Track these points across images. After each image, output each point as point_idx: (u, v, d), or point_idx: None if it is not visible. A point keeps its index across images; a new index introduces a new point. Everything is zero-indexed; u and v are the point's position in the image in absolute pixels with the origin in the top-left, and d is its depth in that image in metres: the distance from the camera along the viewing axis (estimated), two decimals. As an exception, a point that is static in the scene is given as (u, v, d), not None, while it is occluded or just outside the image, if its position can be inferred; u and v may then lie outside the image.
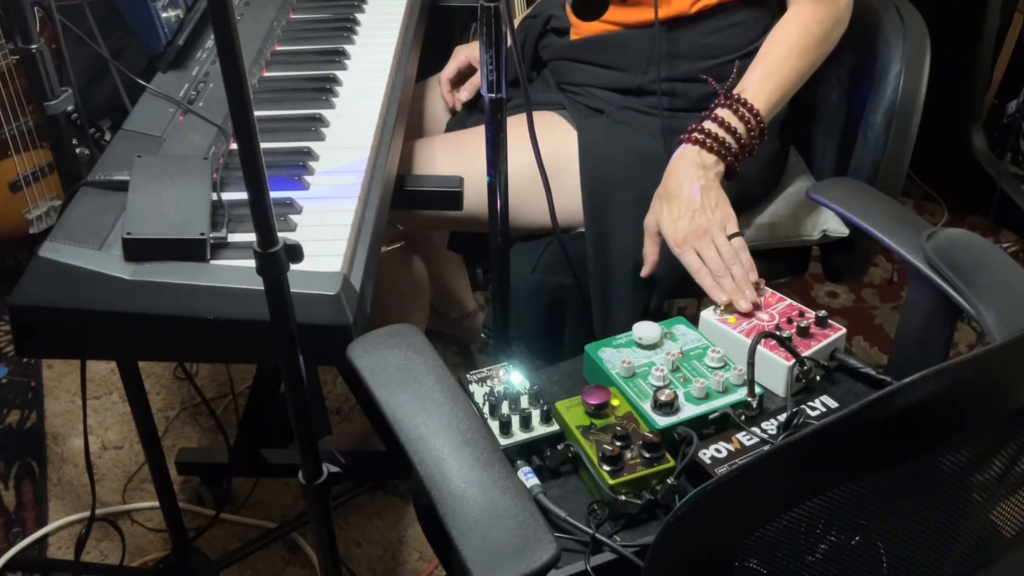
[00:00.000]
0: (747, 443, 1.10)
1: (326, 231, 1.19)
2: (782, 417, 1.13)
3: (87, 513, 1.72)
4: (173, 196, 1.15)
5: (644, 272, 1.42)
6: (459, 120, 1.73)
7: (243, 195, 0.91)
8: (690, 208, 1.34)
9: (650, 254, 1.40)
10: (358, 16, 1.71)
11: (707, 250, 1.33)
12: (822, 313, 1.25)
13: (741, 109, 1.38)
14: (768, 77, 1.41)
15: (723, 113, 1.39)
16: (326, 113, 1.43)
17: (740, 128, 1.38)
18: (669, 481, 1.06)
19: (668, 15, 1.47)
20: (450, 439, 0.93)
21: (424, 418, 0.95)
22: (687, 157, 1.38)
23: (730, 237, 1.33)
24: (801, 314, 1.27)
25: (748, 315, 1.27)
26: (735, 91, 1.41)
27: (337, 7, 1.74)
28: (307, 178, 1.29)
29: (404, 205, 1.47)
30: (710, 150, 1.37)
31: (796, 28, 1.42)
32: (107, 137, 1.35)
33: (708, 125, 1.38)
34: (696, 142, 1.38)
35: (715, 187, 1.37)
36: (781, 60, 1.41)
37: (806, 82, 1.45)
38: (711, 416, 1.14)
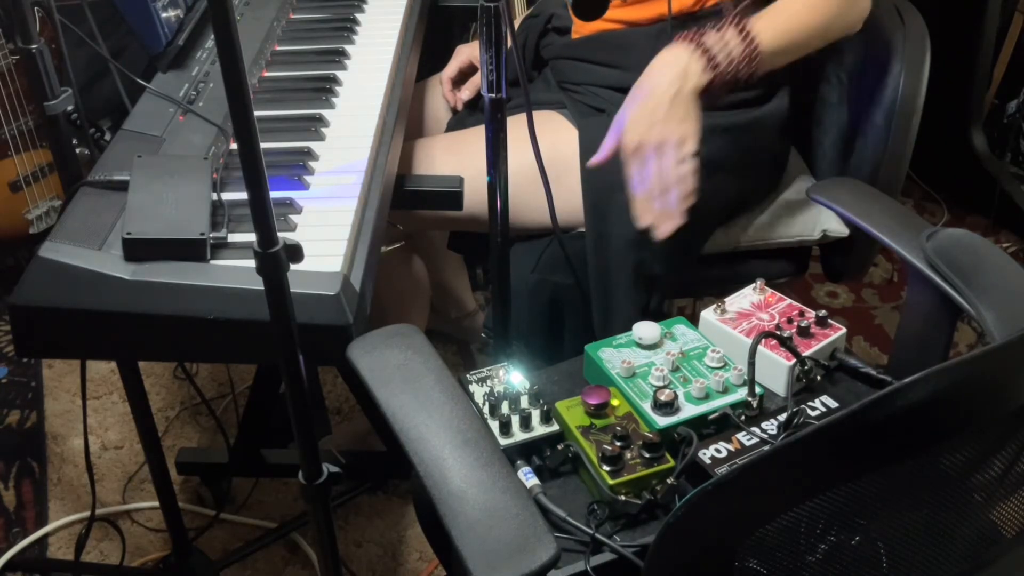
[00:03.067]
0: (747, 443, 1.10)
1: (326, 231, 1.19)
2: (782, 417, 1.13)
3: (87, 513, 1.72)
4: (173, 196, 1.15)
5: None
6: (460, 120, 1.73)
7: (243, 195, 0.91)
8: (654, 114, 1.29)
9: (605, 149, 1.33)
10: (358, 16, 1.71)
11: (652, 164, 1.28)
12: (822, 313, 1.25)
13: (747, 34, 1.34)
14: (779, 15, 1.37)
15: (729, 34, 1.34)
16: (326, 113, 1.43)
17: (736, 50, 1.33)
18: (669, 481, 1.06)
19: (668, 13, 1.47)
20: (450, 439, 0.93)
21: (424, 418, 0.95)
22: (674, 56, 1.32)
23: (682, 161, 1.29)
24: (801, 314, 1.27)
25: (747, 315, 1.27)
26: (750, 19, 1.36)
27: (337, 7, 1.74)
28: (307, 178, 1.29)
29: (404, 205, 1.47)
30: (702, 55, 1.32)
31: None
32: (107, 137, 1.35)
33: (709, 36, 1.33)
34: (692, 42, 1.32)
35: (688, 99, 1.31)
36: (795, 11, 1.38)
37: (806, 82, 1.45)
38: (711, 416, 1.14)
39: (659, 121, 1.28)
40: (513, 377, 1.18)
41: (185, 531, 1.70)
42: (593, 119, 1.54)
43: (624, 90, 1.54)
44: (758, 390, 1.17)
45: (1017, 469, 0.83)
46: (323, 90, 1.47)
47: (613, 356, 1.21)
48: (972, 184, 2.62)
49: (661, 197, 1.26)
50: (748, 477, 0.74)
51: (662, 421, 1.13)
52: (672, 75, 1.31)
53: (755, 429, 1.11)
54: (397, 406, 0.96)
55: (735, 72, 1.34)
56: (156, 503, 1.70)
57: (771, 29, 1.36)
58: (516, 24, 1.75)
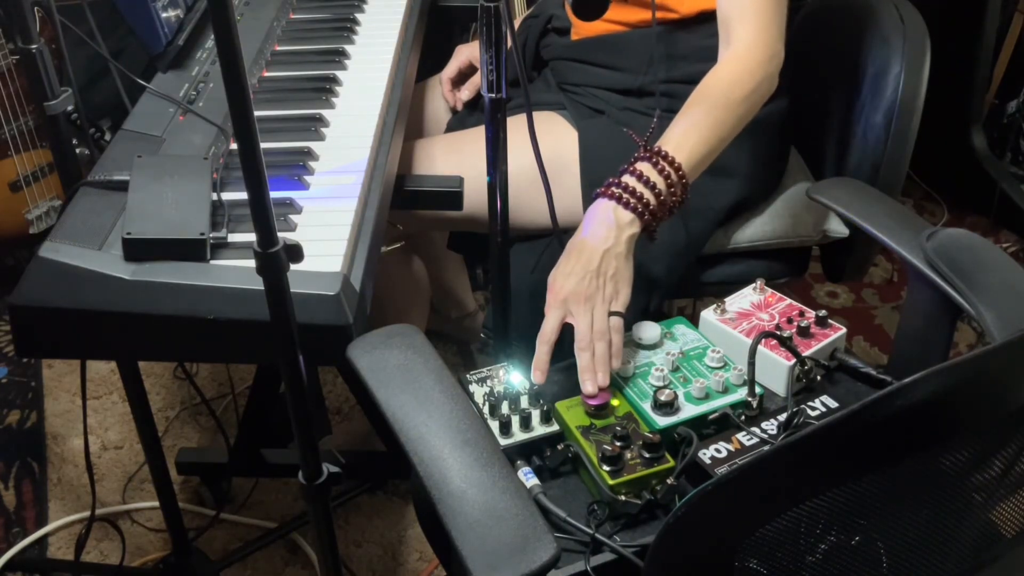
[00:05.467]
0: (747, 443, 1.10)
1: (326, 231, 1.19)
2: (782, 417, 1.13)
3: (87, 513, 1.72)
4: (173, 196, 1.15)
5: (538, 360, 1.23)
6: (460, 120, 1.73)
7: (243, 195, 0.91)
8: (585, 269, 1.23)
9: (546, 328, 1.24)
10: (358, 16, 1.71)
11: (580, 317, 1.22)
12: (822, 313, 1.25)
13: (661, 163, 1.28)
14: (692, 129, 1.31)
15: (642, 166, 1.28)
16: (326, 113, 1.43)
17: (660, 183, 1.27)
18: (669, 481, 1.06)
19: (667, 16, 1.47)
20: (450, 439, 0.93)
21: (424, 418, 0.95)
22: (601, 213, 1.27)
23: (612, 314, 1.23)
24: (801, 314, 1.27)
25: (747, 315, 1.27)
26: (657, 144, 1.31)
27: (337, 7, 1.74)
28: (307, 178, 1.29)
29: (404, 205, 1.47)
30: (626, 206, 1.26)
31: (724, 79, 1.35)
32: (107, 137, 1.36)
33: (626, 179, 1.28)
34: (612, 197, 1.26)
35: (621, 254, 1.25)
36: (706, 112, 1.32)
37: (806, 83, 1.44)
38: (711, 416, 1.14)
39: (590, 274, 1.23)
40: (513, 377, 1.18)
41: (185, 531, 1.69)
42: (592, 120, 1.54)
43: (623, 92, 1.54)
44: (758, 390, 1.17)
45: (1017, 469, 0.83)
46: (323, 90, 1.47)
47: (613, 356, 1.21)
48: (972, 184, 2.63)
49: (587, 351, 1.19)
50: (748, 477, 0.74)
51: (662, 421, 1.13)
52: (602, 232, 1.25)
53: (755, 429, 1.11)
54: (397, 406, 0.96)
55: (670, 204, 1.29)
56: (156, 503, 1.70)
57: (688, 145, 1.30)
58: (516, 24, 1.75)
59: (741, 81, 1.34)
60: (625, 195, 1.26)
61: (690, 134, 1.31)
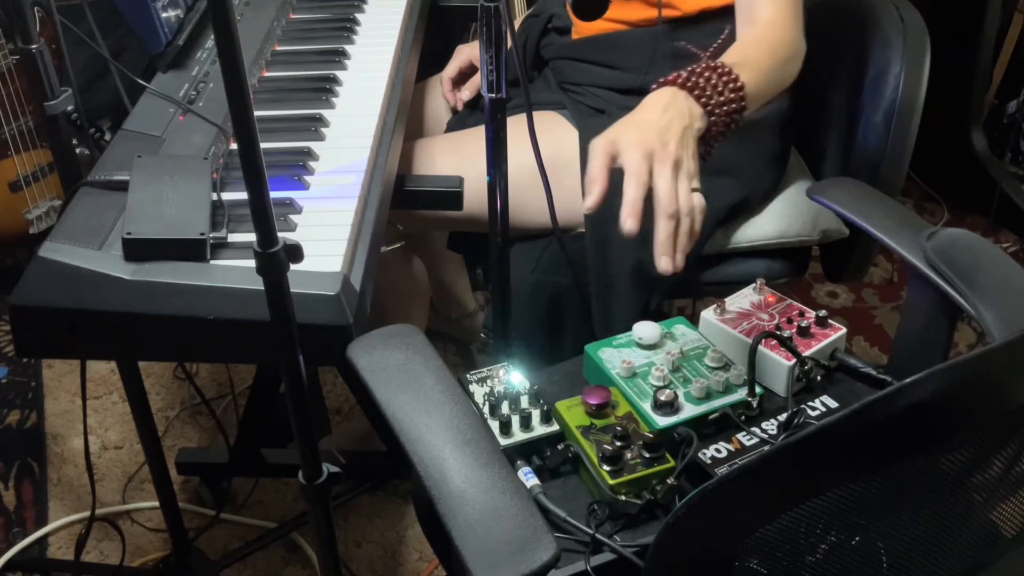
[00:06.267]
0: (747, 443, 1.10)
1: (326, 231, 1.19)
2: (782, 417, 1.13)
3: (87, 513, 1.72)
4: (173, 196, 1.15)
5: (587, 204, 1.11)
6: (460, 119, 1.73)
7: (243, 195, 0.91)
8: (664, 133, 1.09)
9: (596, 176, 1.10)
10: (358, 16, 1.71)
11: (664, 175, 1.06)
12: (822, 313, 1.25)
13: (727, 78, 1.20)
14: (748, 65, 1.26)
15: (710, 73, 1.21)
16: (326, 113, 1.43)
17: (724, 95, 1.19)
18: (669, 481, 1.06)
19: (670, 15, 1.47)
20: (450, 439, 0.93)
21: (424, 418, 0.95)
22: (668, 98, 1.15)
23: (694, 190, 1.12)
24: (801, 314, 1.27)
25: (747, 315, 1.27)
26: (720, 60, 1.24)
27: (337, 7, 1.74)
28: (307, 178, 1.29)
29: (404, 205, 1.47)
30: (698, 99, 1.15)
31: (768, 39, 1.32)
32: (107, 137, 1.35)
33: (695, 75, 1.18)
34: (683, 86, 1.15)
35: (693, 136, 1.13)
36: (758, 57, 1.28)
37: (807, 83, 1.44)
38: (711, 416, 1.14)
39: (672, 139, 1.11)
40: (513, 377, 1.18)
41: (185, 531, 1.70)
42: (593, 120, 1.54)
43: (624, 91, 1.54)
44: (758, 390, 1.17)
45: (1017, 469, 0.83)
46: (323, 90, 1.47)
47: (613, 356, 1.21)
48: (972, 184, 2.63)
49: (673, 220, 1.08)
50: (748, 477, 0.74)
51: (662, 421, 1.13)
52: (676, 111, 1.16)
53: (755, 429, 1.11)
54: (397, 406, 0.96)
55: (728, 119, 1.21)
56: (156, 503, 1.70)
57: (749, 72, 1.24)
58: (516, 24, 1.75)
59: (784, 43, 1.30)
60: (698, 86, 1.15)
61: (747, 66, 1.23)
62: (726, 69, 1.22)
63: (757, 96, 1.26)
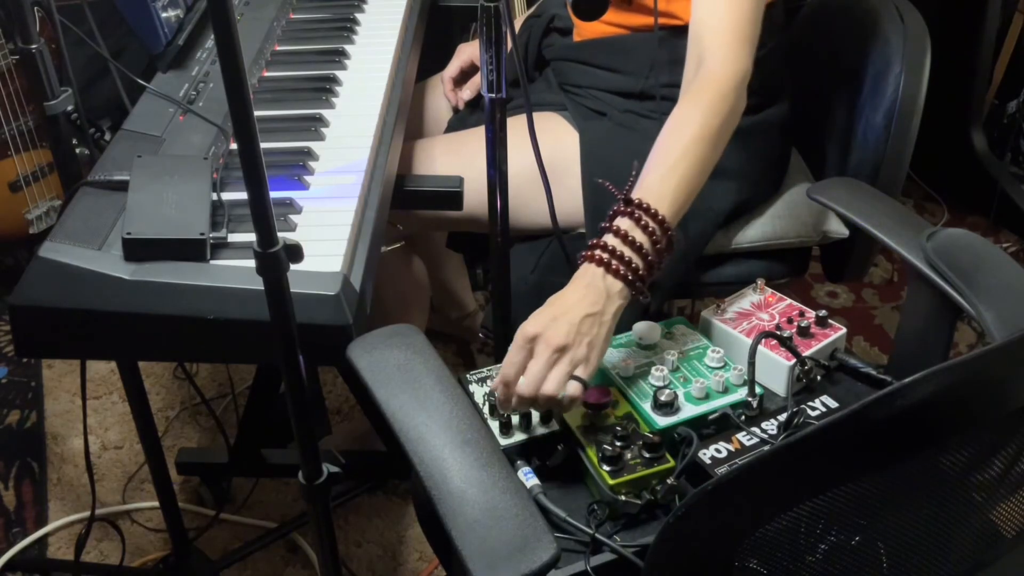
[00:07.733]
0: (747, 443, 1.10)
1: (326, 231, 1.19)
2: (782, 417, 1.13)
3: (87, 513, 1.72)
4: (173, 196, 1.15)
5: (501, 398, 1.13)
6: (460, 119, 1.73)
7: (243, 195, 0.91)
8: (564, 320, 1.11)
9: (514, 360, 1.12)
10: (358, 16, 1.71)
11: (539, 358, 1.09)
12: (822, 313, 1.25)
13: (644, 218, 1.17)
14: (670, 174, 1.20)
15: (625, 224, 1.17)
16: (326, 113, 1.43)
17: (646, 243, 1.16)
18: (669, 481, 1.06)
19: (669, 23, 1.47)
20: (450, 439, 0.93)
21: (424, 418, 0.95)
22: (588, 278, 1.15)
23: (573, 377, 1.11)
24: (801, 314, 1.27)
25: (747, 315, 1.27)
26: (636, 195, 1.19)
27: (337, 7, 1.74)
28: (307, 178, 1.29)
29: (404, 205, 1.47)
30: (615, 274, 1.14)
31: (700, 109, 1.25)
32: (107, 137, 1.36)
33: (610, 240, 1.16)
34: (600, 263, 1.15)
35: (605, 323, 1.14)
36: (683, 151, 1.21)
37: (807, 83, 1.44)
38: (711, 416, 1.14)
39: (569, 326, 1.11)
40: (513, 377, 1.18)
41: (185, 531, 1.70)
42: (594, 122, 1.53)
43: (624, 95, 1.54)
44: (758, 390, 1.17)
45: (1017, 469, 0.83)
46: (323, 90, 1.47)
47: (613, 356, 1.21)
48: (972, 184, 2.63)
49: (519, 397, 1.10)
50: (748, 477, 0.73)
51: (662, 421, 1.13)
52: (592, 296, 1.14)
53: (755, 429, 1.11)
54: (397, 406, 0.96)
55: (657, 262, 1.19)
56: (156, 503, 1.70)
57: (669, 192, 1.19)
58: (517, 24, 1.75)
59: (716, 109, 1.24)
60: (614, 261, 1.15)
61: (669, 179, 1.20)
62: (643, 207, 1.18)
63: (688, 201, 1.23)
